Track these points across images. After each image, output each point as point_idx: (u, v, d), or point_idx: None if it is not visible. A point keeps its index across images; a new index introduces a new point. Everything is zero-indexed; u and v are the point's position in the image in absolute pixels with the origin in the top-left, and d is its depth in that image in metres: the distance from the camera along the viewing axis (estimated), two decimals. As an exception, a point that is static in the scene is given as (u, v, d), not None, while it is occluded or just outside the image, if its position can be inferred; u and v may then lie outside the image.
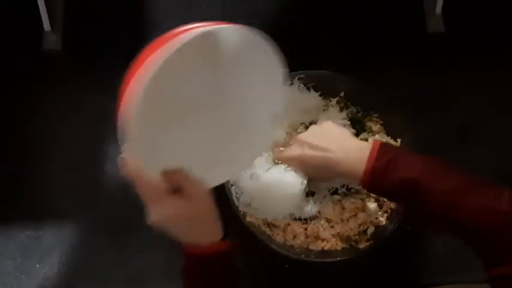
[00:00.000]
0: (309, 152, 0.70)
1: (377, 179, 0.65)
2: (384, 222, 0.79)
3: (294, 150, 0.73)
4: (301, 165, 0.73)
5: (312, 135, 0.72)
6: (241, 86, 0.67)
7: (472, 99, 0.91)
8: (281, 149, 0.78)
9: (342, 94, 0.83)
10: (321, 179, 0.77)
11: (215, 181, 0.67)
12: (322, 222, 0.78)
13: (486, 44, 0.94)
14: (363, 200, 0.79)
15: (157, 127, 0.63)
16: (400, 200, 0.69)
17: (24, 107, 0.90)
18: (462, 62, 0.93)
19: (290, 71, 0.83)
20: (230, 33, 0.63)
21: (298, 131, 0.81)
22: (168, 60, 0.58)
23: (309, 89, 0.83)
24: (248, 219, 0.78)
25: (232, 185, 0.79)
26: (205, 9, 0.96)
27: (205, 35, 0.60)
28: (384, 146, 0.67)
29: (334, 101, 0.83)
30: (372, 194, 0.78)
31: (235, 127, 0.68)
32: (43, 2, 0.88)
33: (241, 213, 0.78)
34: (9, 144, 0.81)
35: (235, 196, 0.78)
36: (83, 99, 0.90)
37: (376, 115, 0.83)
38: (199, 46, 0.61)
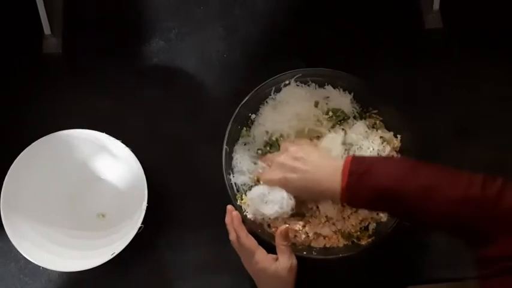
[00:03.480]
0: (289, 175, 0.72)
1: (353, 194, 0.67)
2: (385, 219, 0.79)
3: (275, 174, 0.74)
4: (283, 187, 0.74)
5: (290, 157, 0.73)
6: None
7: (470, 95, 0.91)
8: (259, 170, 0.79)
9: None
10: (304, 198, 0.77)
11: None
12: (322, 220, 0.79)
13: (484, 40, 0.94)
14: None
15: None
16: (379, 208, 0.72)
17: (24, 110, 0.91)
18: (460, 58, 0.93)
19: (288, 70, 0.84)
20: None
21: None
22: None
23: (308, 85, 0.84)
24: (249, 216, 0.78)
25: (234, 185, 0.80)
26: (203, 11, 0.96)
27: None
28: (355, 160, 0.68)
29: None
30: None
31: None
32: (43, 6, 0.88)
33: (243, 210, 0.78)
34: (9, 147, 0.81)
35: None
36: (83, 102, 0.91)
37: (375, 112, 0.84)
38: None
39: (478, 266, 0.62)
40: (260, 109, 0.84)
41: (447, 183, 0.63)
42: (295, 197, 0.74)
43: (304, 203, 0.79)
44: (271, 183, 0.74)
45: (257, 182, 0.79)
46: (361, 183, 0.66)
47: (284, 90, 0.84)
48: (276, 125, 0.82)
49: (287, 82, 0.84)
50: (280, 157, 0.74)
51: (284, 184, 0.73)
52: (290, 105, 0.83)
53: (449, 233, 0.68)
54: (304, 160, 0.72)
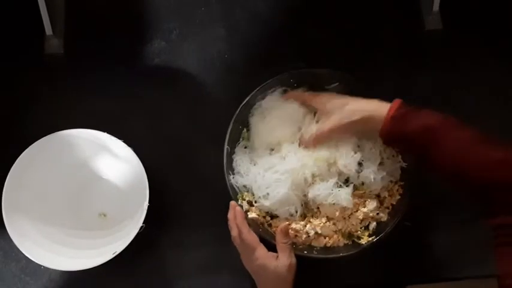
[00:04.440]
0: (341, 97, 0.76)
1: (398, 123, 0.70)
2: (385, 218, 0.80)
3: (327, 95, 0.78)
4: (333, 104, 0.77)
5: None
6: None
7: (470, 96, 0.91)
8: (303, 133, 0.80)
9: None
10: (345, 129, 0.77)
11: None
12: (323, 220, 0.79)
13: (484, 42, 0.94)
14: (363, 196, 0.80)
15: None
16: (416, 147, 0.71)
17: (26, 110, 0.91)
18: (460, 59, 0.93)
19: (289, 70, 0.84)
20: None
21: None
22: None
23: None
24: (250, 216, 0.78)
25: (235, 185, 0.80)
26: (204, 12, 0.96)
27: None
28: (404, 102, 0.72)
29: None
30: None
31: None
32: (45, 7, 0.88)
33: (244, 210, 0.79)
34: (11, 146, 0.81)
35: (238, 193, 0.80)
36: (84, 102, 0.91)
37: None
38: None
39: (499, 231, 0.63)
40: (250, 120, 0.84)
41: (489, 143, 0.66)
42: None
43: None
44: (320, 100, 0.78)
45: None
46: (409, 116, 0.69)
47: (268, 97, 0.84)
48: (270, 136, 0.82)
49: (271, 90, 0.84)
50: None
51: (335, 103, 0.76)
52: (277, 110, 0.82)
53: (476, 191, 0.67)
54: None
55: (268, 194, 0.78)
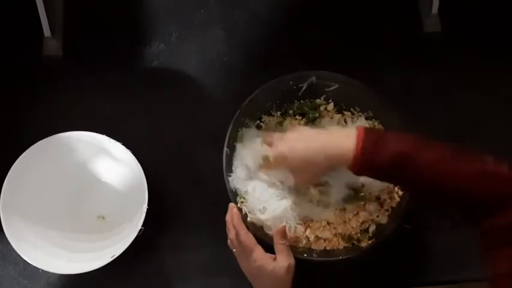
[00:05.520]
0: (297, 143, 0.72)
1: (368, 158, 0.67)
2: (385, 221, 0.79)
3: (281, 146, 0.73)
4: (290, 157, 0.72)
5: (293, 133, 0.74)
6: None
7: (469, 98, 0.92)
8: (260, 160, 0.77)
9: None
10: (308, 173, 0.75)
11: None
12: (322, 223, 0.79)
13: (483, 44, 0.94)
14: (363, 200, 0.80)
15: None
16: (391, 176, 0.69)
17: (24, 112, 0.91)
18: (459, 61, 0.93)
19: (288, 72, 0.84)
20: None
21: None
22: None
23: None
24: (249, 219, 0.78)
25: (234, 189, 0.80)
26: (203, 14, 0.96)
27: None
28: (368, 128, 0.70)
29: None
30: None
31: None
32: (43, 8, 0.88)
33: (243, 213, 0.78)
34: (9, 149, 0.81)
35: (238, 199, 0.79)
36: (83, 104, 0.91)
37: (372, 114, 0.84)
38: None
39: (485, 236, 0.64)
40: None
41: (463, 157, 0.65)
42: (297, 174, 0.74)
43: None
44: (278, 159, 0.73)
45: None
46: (378, 147, 0.66)
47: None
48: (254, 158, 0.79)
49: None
50: (281, 135, 0.74)
51: (291, 152, 0.71)
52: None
53: (456, 205, 0.68)
54: (313, 130, 0.73)
55: (264, 208, 0.77)
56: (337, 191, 0.78)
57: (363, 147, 0.66)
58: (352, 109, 0.85)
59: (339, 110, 0.85)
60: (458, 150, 0.66)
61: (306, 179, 0.76)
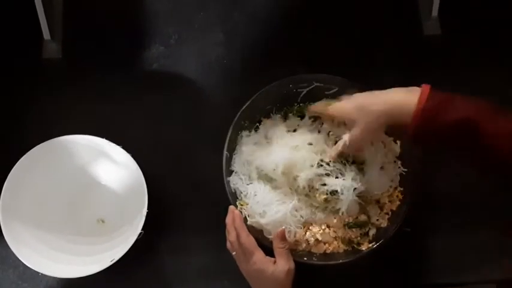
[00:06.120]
0: (358, 97, 0.70)
1: (430, 118, 0.63)
2: (385, 224, 0.79)
3: (349, 103, 0.72)
4: (351, 101, 0.71)
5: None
6: None
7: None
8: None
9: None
10: (365, 129, 0.72)
11: None
12: (322, 227, 0.79)
13: (482, 46, 0.94)
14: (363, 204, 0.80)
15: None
16: (453, 142, 0.65)
17: (23, 115, 0.90)
18: (459, 64, 0.93)
19: (288, 75, 0.84)
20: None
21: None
22: None
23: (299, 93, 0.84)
24: (249, 223, 0.78)
25: (234, 191, 0.79)
26: (203, 16, 0.96)
27: None
28: (433, 88, 0.65)
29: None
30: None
31: None
32: (43, 11, 0.88)
33: (244, 216, 0.78)
34: (8, 152, 0.81)
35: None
36: (82, 107, 0.90)
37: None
38: None
39: None
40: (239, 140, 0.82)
41: None
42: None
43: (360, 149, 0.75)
44: (344, 111, 0.72)
45: None
46: (442, 110, 0.62)
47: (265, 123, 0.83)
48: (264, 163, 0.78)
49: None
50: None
51: (350, 99, 0.70)
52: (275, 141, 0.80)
53: None
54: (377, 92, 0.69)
55: (264, 212, 0.77)
56: (345, 202, 0.76)
57: (425, 107, 0.62)
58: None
59: None
60: None
61: (361, 137, 0.72)
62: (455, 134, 0.62)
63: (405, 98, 0.65)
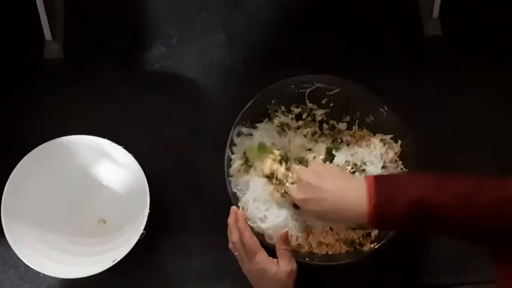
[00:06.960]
0: (311, 194, 0.69)
1: (383, 213, 0.63)
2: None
3: (299, 193, 0.72)
4: (303, 210, 0.73)
5: (313, 175, 0.70)
6: None
7: (470, 101, 0.92)
8: (287, 185, 0.76)
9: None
10: (324, 221, 0.76)
11: None
12: (325, 229, 0.79)
13: (483, 47, 0.94)
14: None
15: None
16: (411, 226, 0.65)
17: (25, 116, 0.90)
18: (459, 65, 0.94)
19: (289, 76, 0.84)
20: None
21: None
22: None
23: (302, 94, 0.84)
24: (251, 224, 0.78)
25: (235, 192, 0.80)
26: (204, 17, 0.96)
27: None
28: (378, 177, 0.65)
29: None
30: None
31: None
32: (44, 12, 0.88)
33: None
34: (10, 153, 0.81)
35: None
36: (84, 108, 0.90)
37: (373, 118, 0.84)
38: None
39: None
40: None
41: (482, 187, 0.62)
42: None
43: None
44: (296, 200, 0.73)
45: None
46: (391, 199, 0.62)
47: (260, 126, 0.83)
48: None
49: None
50: (305, 175, 0.71)
51: (303, 204, 0.71)
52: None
53: (483, 238, 0.64)
54: (328, 180, 0.68)
55: (265, 216, 0.76)
56: None
57: (376, 202, 0.62)
58: (354, 116, 0.85)
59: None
60: (477, 179, 0.62)
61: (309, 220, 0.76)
62: (412, 216, 0.62)
63: (354, 204, 0.65)
